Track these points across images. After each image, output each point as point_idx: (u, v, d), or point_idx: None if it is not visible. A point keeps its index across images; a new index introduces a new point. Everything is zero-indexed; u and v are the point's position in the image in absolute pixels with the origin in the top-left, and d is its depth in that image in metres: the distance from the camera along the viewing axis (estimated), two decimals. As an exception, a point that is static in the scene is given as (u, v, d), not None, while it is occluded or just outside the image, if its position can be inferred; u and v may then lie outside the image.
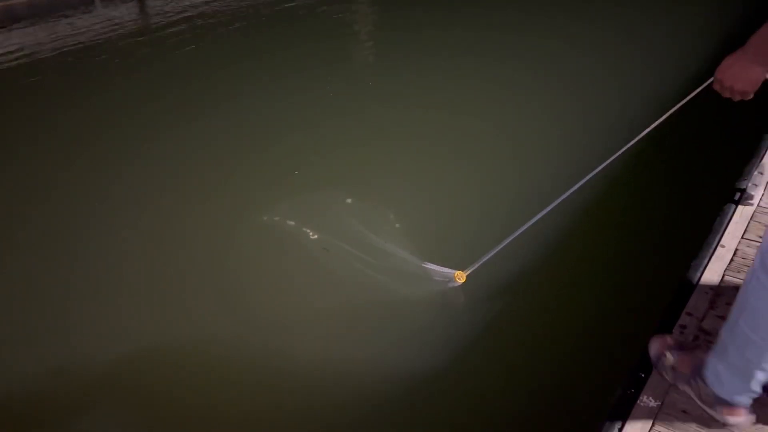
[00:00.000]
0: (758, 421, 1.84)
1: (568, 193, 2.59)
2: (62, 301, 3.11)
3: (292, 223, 3.50)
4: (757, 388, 1.76)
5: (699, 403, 1.90)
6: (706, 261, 2.53)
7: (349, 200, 3.67)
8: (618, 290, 2.94)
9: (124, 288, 3.13)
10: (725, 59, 1.75)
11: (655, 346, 2.08)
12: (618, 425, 1.93)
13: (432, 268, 3.01)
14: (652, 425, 1.91)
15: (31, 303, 3.10)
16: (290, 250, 3.29)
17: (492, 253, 2.72)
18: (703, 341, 2.14)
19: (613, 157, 2.55)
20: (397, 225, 3.44)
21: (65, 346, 2.86)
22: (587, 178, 2.56)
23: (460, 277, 2.91)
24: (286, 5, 8.61)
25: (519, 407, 2.47)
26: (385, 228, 3.37)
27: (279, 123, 4.83)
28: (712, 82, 1.81)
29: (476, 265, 2.78)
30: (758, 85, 1.70)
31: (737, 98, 1.77)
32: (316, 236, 3.35)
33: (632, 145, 2.55)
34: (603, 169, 2.60)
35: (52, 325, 2.96)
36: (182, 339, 2.85)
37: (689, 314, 2.28)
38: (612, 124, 4.40)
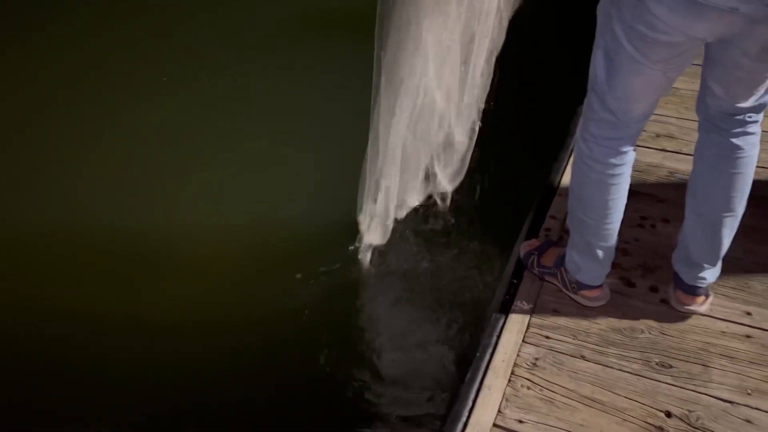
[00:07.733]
0: (613, 300, 2.10)
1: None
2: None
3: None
4: (606, 265, 2.01)
5: (565, 291, 2.12)
6: (565, 162, 2.70)
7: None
8: (493, 202, 3.07)
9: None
10: None
11: (524, 250, 2.27)
12: (497, 330, 2.08)
13: None
14: (528, 326, 2.08)
15: None
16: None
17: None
18: (566, 240, 2.31)
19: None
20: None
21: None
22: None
23: None
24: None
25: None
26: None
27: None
28: None
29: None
30: None
31: None
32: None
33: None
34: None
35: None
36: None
37: (553, 217, 2.45)
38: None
